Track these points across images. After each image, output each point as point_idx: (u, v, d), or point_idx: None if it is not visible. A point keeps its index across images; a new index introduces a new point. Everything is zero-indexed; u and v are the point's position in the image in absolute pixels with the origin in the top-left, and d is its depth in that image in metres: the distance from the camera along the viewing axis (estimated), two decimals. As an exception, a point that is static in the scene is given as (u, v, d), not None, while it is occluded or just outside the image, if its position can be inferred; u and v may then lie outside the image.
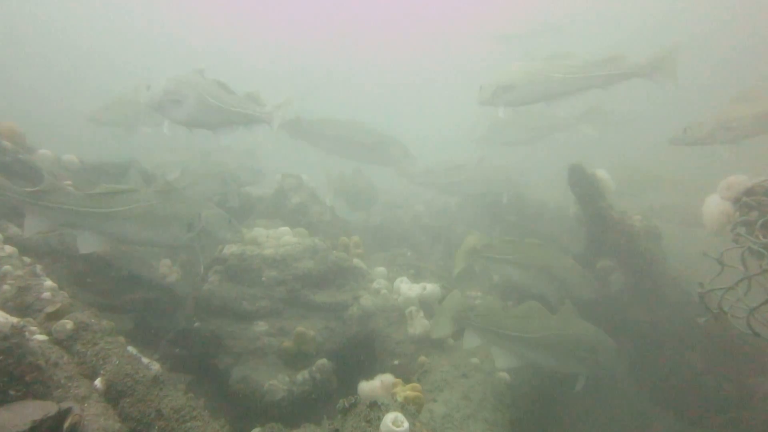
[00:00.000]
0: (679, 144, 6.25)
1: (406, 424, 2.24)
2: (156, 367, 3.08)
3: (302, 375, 4.11)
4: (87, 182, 5.58)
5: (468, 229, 9.82)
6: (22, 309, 3.15)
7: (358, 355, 4.57)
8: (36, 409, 2.06)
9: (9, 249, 3.58)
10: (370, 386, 3.51)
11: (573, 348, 4.13)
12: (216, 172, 6.91)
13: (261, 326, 4.48)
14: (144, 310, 4.81)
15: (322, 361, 4.17)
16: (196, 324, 4.46)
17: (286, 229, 5.48)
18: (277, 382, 4.04)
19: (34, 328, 2.77)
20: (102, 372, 2.69)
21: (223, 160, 7.62)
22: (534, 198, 9.06)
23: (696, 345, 4.96)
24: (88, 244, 4.08)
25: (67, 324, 2.86)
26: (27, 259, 3.68)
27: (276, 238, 5.30)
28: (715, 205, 3.71)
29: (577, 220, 5.92)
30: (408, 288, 4.69)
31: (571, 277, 5.21)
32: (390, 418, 2.25)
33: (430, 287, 4.71)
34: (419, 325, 4.48)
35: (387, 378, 3.49)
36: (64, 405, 2.18)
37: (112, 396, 2.63)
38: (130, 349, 3.13)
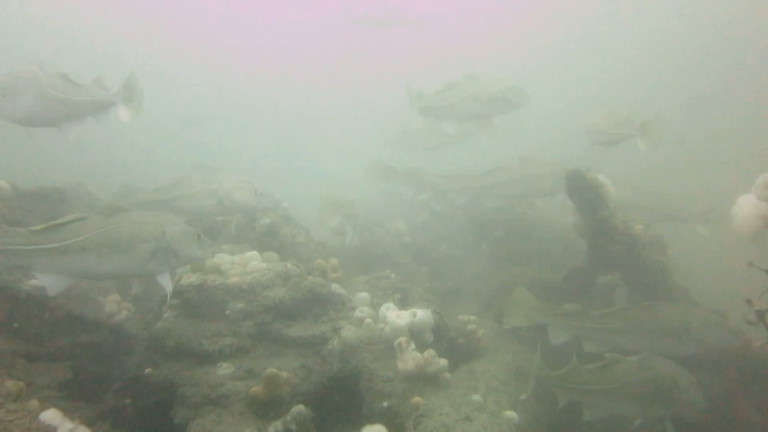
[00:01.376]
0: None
1: None
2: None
3: (274, 427, 3.42)
4: (23, 211, 4.87)
5: (451, 246, 9.33)
6: None
7: (341, 397, 3.92)
8: None
9: None
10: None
11: (656, 390, 3.90)
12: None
13: (225, 368, 3.80)
14: (85, 357, 4.08)
15: (298, 409, 3.49)
16: (148, 370, 3.75)
17: (253, 253, 4.84)
18: (244, 438, 3.36)
19: None
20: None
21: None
22: (523, 211, 8.60)
23: (719, 368, 4.45)
24: (48, 287, 3.41)
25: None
26: None
27: (242, 265, 4.65)
28: (750, 207, 3.23)
29: (576, 231, 5.42)
30: (396, 316, 4.08)
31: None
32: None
33: (421, 314, 4.11)
34: (410, 358, 3.85)
35: (377, 430, 2.85)
36: None
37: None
38: (48, 415, 2.42)
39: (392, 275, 5.87)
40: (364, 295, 4.72)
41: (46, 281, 3.35)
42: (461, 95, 7.23)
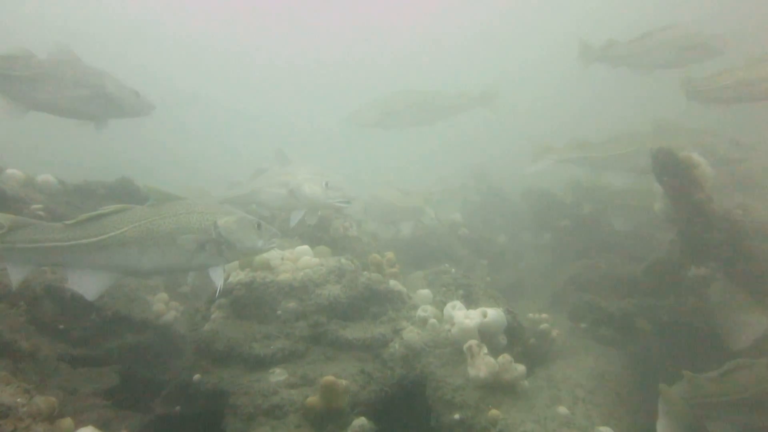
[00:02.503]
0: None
1: None
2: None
3: (335, 442, 3.07)
4: (69, 206, 4.71)
5: (511, 238, 8.75)
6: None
7: (405, 407, 3.51)
8: None
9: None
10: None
11: None
12: None
13: (278, 375, 3.46)
14: (133, 360, 3.84)
15: (360, 422, 3.11)
16: (196, 376, 3.46)
17: (305, 248, 4.49)
18: (301, 454, 3.01)
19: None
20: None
21: None
22: (593, 186, 7.90)
23: None
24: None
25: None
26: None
27: (293, 260, 4.31)
28: None
29: (664, 218, 4.78)
30: (464, 315, 3.62)
31: None
32: None
33: (493, 313, 3.63)
34: (483, 364, 3.39)
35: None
36: None
37: None
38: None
39: (452, 269, 5.41)
40: (425, 292, 4.29)
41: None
42: (659, 42, 6.96)
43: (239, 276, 4.06)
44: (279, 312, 3.80)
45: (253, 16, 26.55)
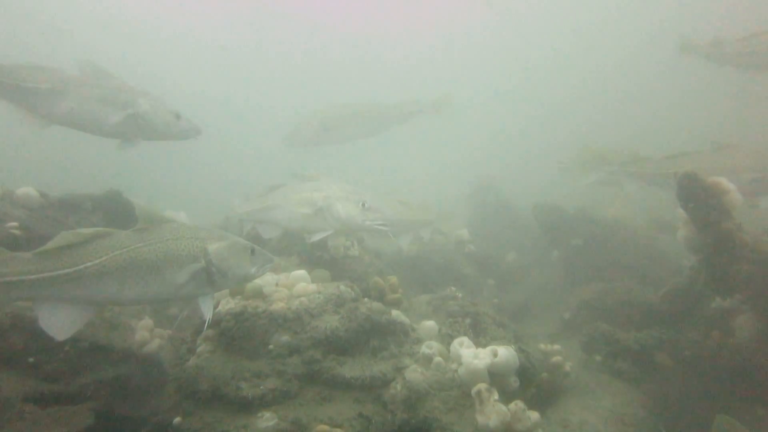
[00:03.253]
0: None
1: None
2: None
3: (327, 502, 2.75)
4: (52, 221, 4.42)
5: (519, 255, 8.42)
6: None
7: (407, 457, 3.19)
8: None
9: None
10: None
11: None
12: None
13: (267, 419, 3.14)
14: (110, 396, 3.53)
15: (356, 479, 2.79)
16: (177, 420, 3.14)
17: (301, 272, 4.19)
18: None
19: None
20: None
21: None
22: (603, 215, 7.60)
23: None
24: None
25: None
26: None
27: (288, 287, 4.01)
28: None
29: (687, 247, 4.44)
30: (472, 355, 3.30)
31: None
32: None
33: (504, 353, 3.31)
34: (494, 412, 3.07)
35: None
36: None
37: None
38: None
39: (459, 294, 5.09)
40: (430, 324, 3.97)
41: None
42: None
43: (229, 305, 3.76)
44: (271, 346, 3.49)
45: (259, 15, 26.32)
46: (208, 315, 3.18)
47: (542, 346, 4.48)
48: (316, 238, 4.32)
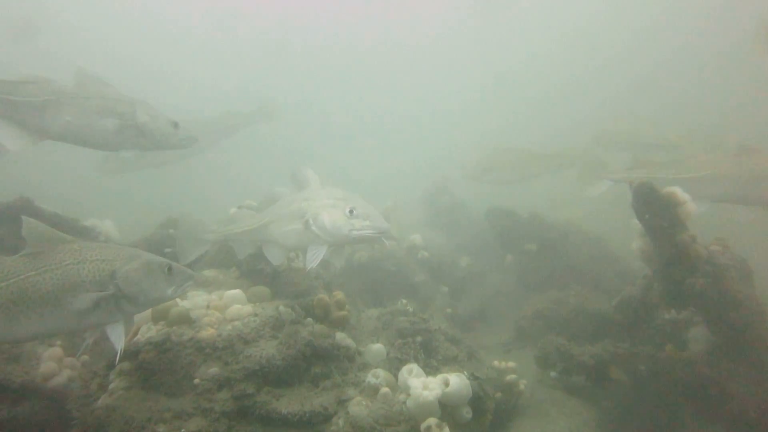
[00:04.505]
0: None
1: None
2: None
3: None
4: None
5: (473, 260, 8.24)
6: None
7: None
8: None
9: None
10: None
11: None
12: None
13: (189, 468, 2.75)
14: (4, 443, 3.04)
15: None
16: (80, 473, 2.71)
17: (235, 292, 3.79)
18: None
19: None
20: None
21: None
22: (555, 219, 7.52)
23: None
24: None
25: None
26: None
27: (220, 309, 3.61)
28: None
29: (642, 259, 4.33)
30: (422, 385, 3.02)
31: None
32: None
33: (456, 382, 3.04)
34: (444, 450, 2.80)
35: None
36: None
37: None
38: None
39: (409, 308, 4.81)
40: (377, 347, 3.67)
41: None
42: None
43: (150, 332, 3.34)
44: (196, 380, 3.09)
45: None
46: (119, 346, 2.79)
47: (496, 363, 4.27)
48: (315, 261, 3.53)
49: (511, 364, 4.26)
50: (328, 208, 3.63)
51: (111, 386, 3.08)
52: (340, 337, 3.59)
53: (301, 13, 25.04)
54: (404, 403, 3.07)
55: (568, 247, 7.13)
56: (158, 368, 3.13)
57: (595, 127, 9.09)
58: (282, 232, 3.92)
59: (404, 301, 5.02)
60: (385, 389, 3.13)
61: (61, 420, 3.25)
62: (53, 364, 3.48)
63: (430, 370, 3.75)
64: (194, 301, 3.62)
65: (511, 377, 4.13)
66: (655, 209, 3.90)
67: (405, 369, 3.21)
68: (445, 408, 3.06)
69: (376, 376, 3.22)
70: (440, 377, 3.11)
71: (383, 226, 3.46)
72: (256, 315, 3.59)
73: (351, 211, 3.50)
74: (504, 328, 6.58)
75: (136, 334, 3.45)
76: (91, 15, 21.79)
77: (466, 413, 3.11)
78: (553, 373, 4.46)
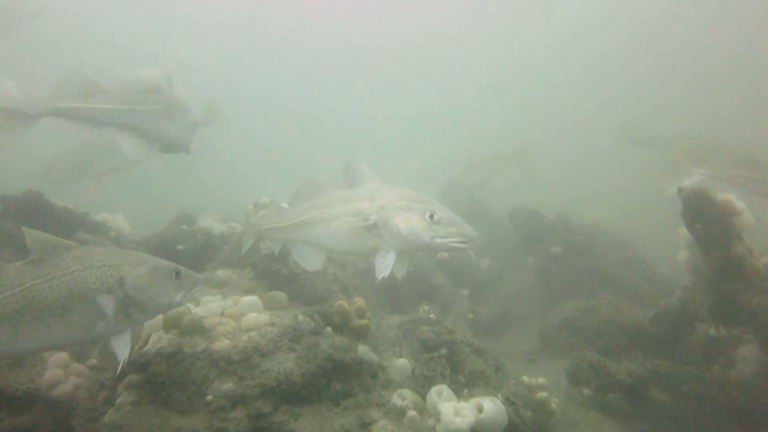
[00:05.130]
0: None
1: None
2: None
3: None
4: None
5: (493, 261, 7.95)
6: None
7: None
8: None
9: None
10: None
11: None
12: None
13: (200, 495, 2.52)
14: (5, 458, 2.84)
15: None
16: (83, 498, 2.49)
17: (251, 299, 3.55)
18: None
19: None
20: None
21: None
22: (582, 221, 7.20)
23: None
24: None
25: None
26: None
27: (235, 317, 3.37)
28: None
29: (690, 271, 4.01)
30: (453, 411, 2.75)
31: None
32: None
33: (490, 408, 2.78)
34: (479, 484, 2.54)
35: None
36: None
37: None
38: None
39: (432, 315, 4.56)
40: (402, 364, 3.41)
41: None
42: None
43: (161, 342, 3.10)
44: (209, 397, 2.85)
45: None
46: (123, 355, 2.59)
47: (526, 378, 4.00)
48: (386, 271, 3.10)
49: (541, 380, 3.98)
50: (402, 211, 3.15)
51: (118, 400, 2.86)
52: (363, 350, 3.34)
53: (303, 12, 24.85)
54: (433, 429, 2.81)
55: (596, 251, 6.82)
56: (169, 382, 2.89)
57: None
58: (332, 233, 3.37)
59: (426, 307, 4.77)
60: (412, 413, 2.88)
61: (67, 428, 3.04)
62: (59, 371, 3.26)
63: (457, 387, 3.50)
64: (208, 308, 3.38)
65: (542, 395, 3.86)
66: (708, 218, 3.58)
67: (434, 391, 2.95)
68: (479, 436, 2.80)
69: (403, 397, 2.96)
70: (473, 402, 2.84)
71: (471, 234, 3.00)
72: (273, 324, 3.35)
73: (431, 216, 3.05)
74: (527, 335, 6.31)
75: (146, 342, 3.23)
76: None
77: (502, 442, 2.84)
78: (586, 391, 4.18)
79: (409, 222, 3.07)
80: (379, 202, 3.22)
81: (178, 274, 2.73)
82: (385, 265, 3.04)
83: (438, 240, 3.03)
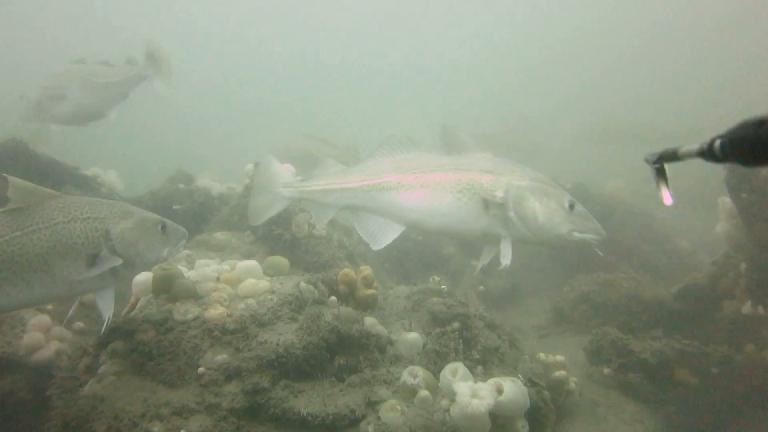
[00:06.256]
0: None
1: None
2: None
3: None
4: None
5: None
6: None
7: None
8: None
9: None
10: None
11: None
12: None
13: (188, 478, 2.28)
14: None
15: None
16: (59, 476, 2.26)
17: (250, 263, 3.26)
18: None
19: None
20: None
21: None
22: (600, 191, 6.86)
23: None
24: None
25: None
26: None
27: (231, 283, 3.08)
28: None
29: (729, 245, 3.69)
30: (470, 391, 2.48)
31: None
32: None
33: (510, 389, 2.50)
34: (498, 472, 2.29)
35: None
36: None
37: None
38: None
39: (443, 286, 4.25)
40: (413, 338, 3.12)
41: None
42: None
43: (150, 307, 2.82)
44: (201, 369, 2.59)
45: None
46: (107, 315, 2.43)
47: (542, 355, 3.73)
48: (507, 259, 2.73)
49: (559, 357, 3.72)
50: (538, 194, 2.66)
51: (101, 369, 2.60)
52: (370, 322, 3.05)
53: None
54: (447, 411, 2.54)
55: (614, 222, 6.48)
56: (157, 352, 2.63)
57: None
58: (429, 203, 2.84)
59: (437, 278, 4.45)
60: (424, 392, 2.61)
61: (42, 401, 2.79)
62: (39, 335, 3.02)
63: (471, 364, 3.22)
64: (203, 272, 3.09)
65: (560, 373, 3.60)
66: (754, 187, 3.24)
67: (448, 369, 2.67)
68: (497, 420, 2.54)
69: (414, 375, 2.69)
70: (492, 382, 2.57)
71: (603, 231, 2.71)
72: (273, 292, 3.07)
73: (572, 206, 2.66)
74: (539, 309, 6.05)
75: (134, 307, 2.96)
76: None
77: (522, 428, 2.58)
78: (606, 370, 3.92)
79: (548, 208, 2.65)
80: (506, 177, 2.72)
81: (164, 227, 2.57)
82: (509, 251, 2.71)
83: (576, 235, 2.69)
